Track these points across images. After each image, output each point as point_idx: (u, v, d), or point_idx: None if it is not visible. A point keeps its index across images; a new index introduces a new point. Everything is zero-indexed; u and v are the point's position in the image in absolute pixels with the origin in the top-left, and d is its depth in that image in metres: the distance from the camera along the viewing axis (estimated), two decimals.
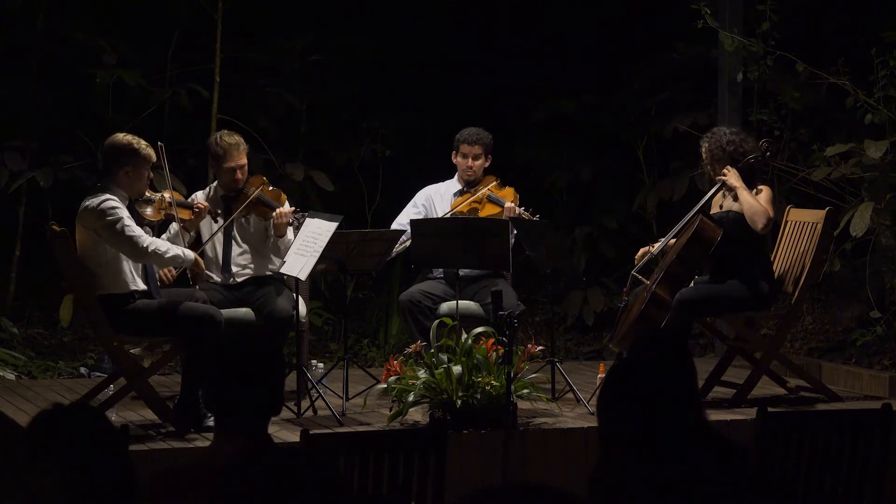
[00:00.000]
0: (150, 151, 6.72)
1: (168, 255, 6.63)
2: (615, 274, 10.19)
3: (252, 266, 7.47)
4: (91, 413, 2.92)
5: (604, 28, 10.82)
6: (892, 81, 8.52)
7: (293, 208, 7.40)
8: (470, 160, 7.86)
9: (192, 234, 7.28)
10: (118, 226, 6.52)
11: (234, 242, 7.47)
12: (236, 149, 7.37)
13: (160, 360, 6.94)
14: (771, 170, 8.93)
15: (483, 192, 7.82)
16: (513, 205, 7.66)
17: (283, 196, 7.48)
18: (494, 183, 7.88)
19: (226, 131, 7.54)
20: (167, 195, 6.97)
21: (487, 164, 7.92)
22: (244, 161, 7.42)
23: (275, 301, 7.20)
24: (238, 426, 3.29)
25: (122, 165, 6.65)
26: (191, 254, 6.75)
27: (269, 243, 7.48)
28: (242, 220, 7.47)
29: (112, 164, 6.68)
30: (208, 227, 7.45)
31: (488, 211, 7.74)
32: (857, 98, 8.56)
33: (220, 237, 7.46)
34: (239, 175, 7.39)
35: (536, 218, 7.53)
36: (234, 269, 7.44)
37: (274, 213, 7.34)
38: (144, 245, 6.53)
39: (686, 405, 3.42)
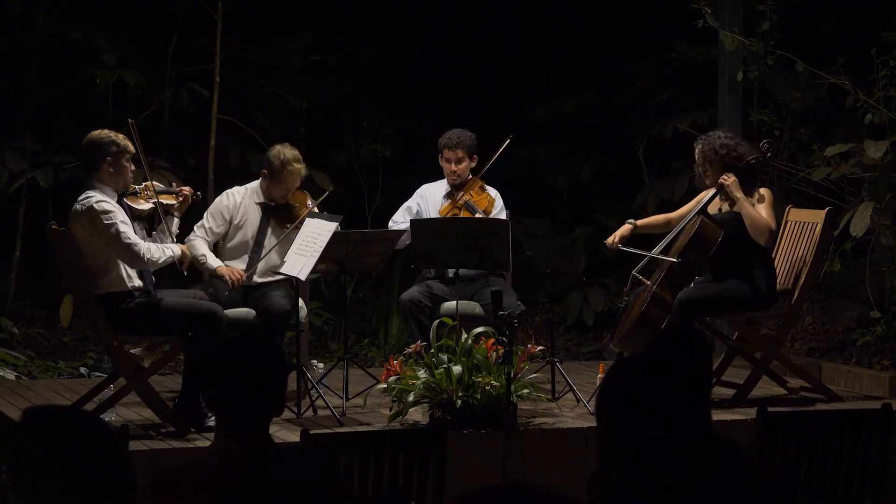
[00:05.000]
0: (128, 143, 6.74)
1: (161, 260, 6.69)
2: (615, 274, 10.19)
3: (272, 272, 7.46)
4: (83, 415, 2.93)
5: (604, 28, 10.82)
6: (892, 81, 8.52)
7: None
8: (453, 164, 7.84)
9: (178, 217, 7.19)
10: (113, 230, 6.54)
11: (263, 253, 7.46)
12: (298, 175, 7.40)
13: (160, 360, 6.94)
14: (771, 170, 8.94)
15: (463, 198, 7.80)
16: (482, 216, 7.67)
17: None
18: (476, 187, 7.86)
19: (289, 147, 7.44)
20: (149, 184, 6.98)
21: (473, 165, 7.89)
22: (298, 185, 7.46)
23: (271, 297, 7.21)
24: (240, 426, 3.29)
25: (104, 158, 6.65)
26: (177, 248, 6.79)
27: None
28: (276, 233, 7.46)
29: (94, 160, 6.68)
30: (245, 229, 7.46)
31: (466, 216, 7.74)
32: (857, 98, 8.56)
33: (250, 245, 7.45)
34: (287, 196, 7.43)
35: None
36: (257, 277, 7.42)
37: None
38: (141, 254, 6.57)
39: (688, 405, 3.43)
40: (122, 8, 10.07)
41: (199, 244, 7.37)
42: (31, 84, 9.70)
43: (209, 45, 9.69)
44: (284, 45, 10.48)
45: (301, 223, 7.30)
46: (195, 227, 7.46)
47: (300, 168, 7.40)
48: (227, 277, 7.17)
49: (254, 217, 7.47)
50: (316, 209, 7.46)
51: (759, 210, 7.10)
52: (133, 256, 6.58)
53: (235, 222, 7.45)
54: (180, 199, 7.03)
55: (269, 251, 7.40)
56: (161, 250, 6.68)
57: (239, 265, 7.40)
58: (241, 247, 7.48)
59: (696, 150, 7.31)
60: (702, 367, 3.80)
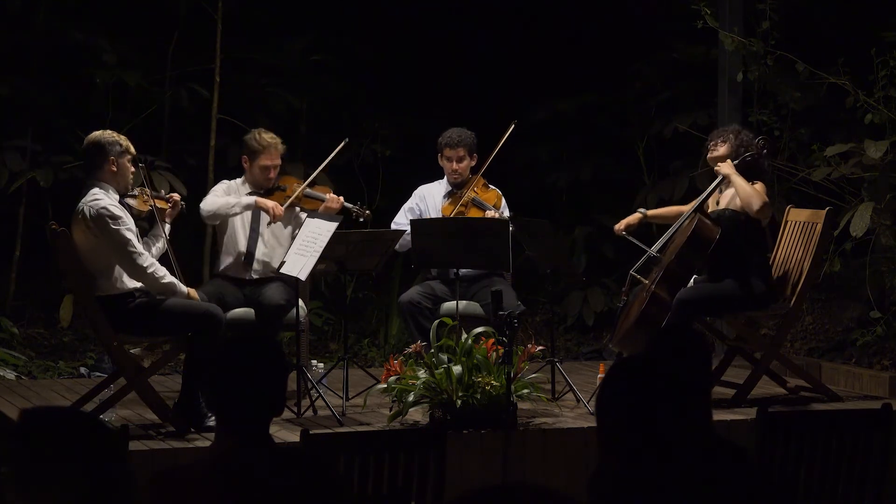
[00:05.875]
0: (129, 144, 6.78)
1: (163, 281, 6.66)
2: (615, 274, 10.19)
3: (274, 264, 7.48)
4: (82, 416, 2.93)
5: (604, 28, 10.82)
6: (892, 81, 8.51)
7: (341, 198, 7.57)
8: (454, 163, 7.85)
9: (169, 224, 7.26)
10: (121, 237, 6.54)
11: (260, 239, 7.50)
12: (274, 148, 7.56)
13: (160, 360, 6.94)
14: (771, 170, 8.93)
15: (468, 195, 7.80)
16: (494, 213, 7.67)
17: (330, 189, 7.69)
18: (480, 184, 7.87)
19: (264, 129, 7.73)
20: (144, 188, 7.03)
21: (473, 163, 7.91)
22: (279, 161, 7.58)
23: (266, 292, 7.24)
24: (240, 426, 3.29)
25: (107, 158, 6.66)
26: (184, 289, 6.77)
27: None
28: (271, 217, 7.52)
29: (98, 159, 6.69)
30: (239, 219, 7.52)
31: (473, 214, 7.73)
32: (857, 98, 8.56)
33: (245, 232, 7.50)
34: (272, 174, 7.53)
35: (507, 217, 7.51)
36: (256, 266, 7.46)
37: (328, 197, 7.52)
38: (144, 265, 6.57)
39: (689, 405, 3.43)
40: (122, 8, 10.07)
41: (220, 199, 7.47)
42: (31, 84, 9.69)
43: (209, 45, 9.69)
44: (284, 45, 10.48)
45: (298, 199, 7.50)
46: (212, 191, 7.60)
47: (277, 140, 7.57)
48: (271, 210, 7.38)
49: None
50: (305, 192, 7.55)
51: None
52: (136, 268, 6.57)
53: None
54: (170, 204, 7.08)
55: (279, 245, 7.50)
56: (167, 273, 6.67)
57: (236, 256, 7.50)
58: (237, 238, 7.50)
59: (716, 130, 7.38)
60: (701, 367, 3.80)
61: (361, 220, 7.66)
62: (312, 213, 7.29)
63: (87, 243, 6.62)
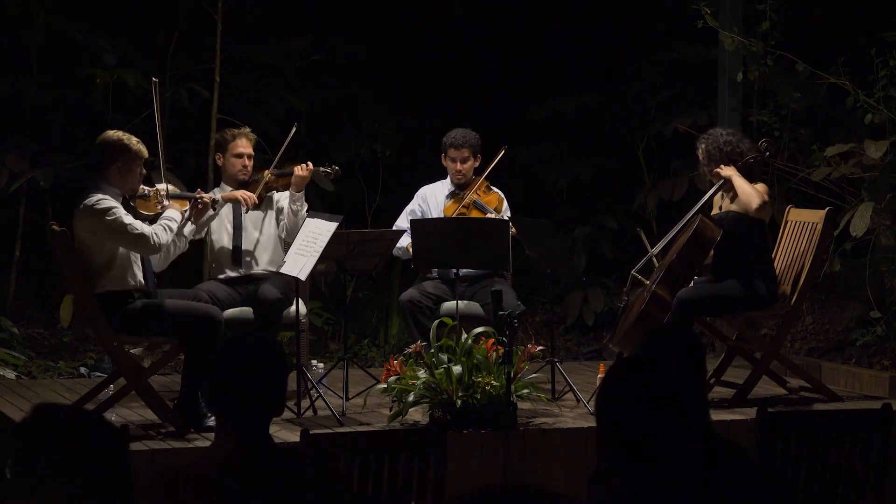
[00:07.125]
0: (142, 148, 6.74)
1: (170, 238, 6.68)
2: (615, 274, 10.19)
3: (263, 259, 7.48)
4: (87, 415, 2.93)
5: (604, 28, 10.82)
6: (892, 81, 8.51)
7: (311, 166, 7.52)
8: (458, 164, 7.85)
9: (203, 233, 7.34)
10: (118, 224, 6.52)
11: (244, 233, 7.51)
12: (245, 136, 7.56)
13: (160, 360, 6.94)
14: (771, 170, 8.94)
15: (470, 197, 7.80)
16: (494, 216, 7.66)
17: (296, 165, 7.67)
18: (483, 187, 7.87)
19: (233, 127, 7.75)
20: (162, 187, 6.97)
21: (477, 164, 7.91)
22: (251, 150, 7.57)
23: (263, 288, 7.23)
24: (240, 426, 3.29)
25: (113, 161, 6.66)
26: (174, 212, 6.77)
27: (280, 231, 7.51)
28: (252, 213, 7.51)
29: (103, 160, 6.69)
30: (219, 219, 7.51)
31: (475, 216, 7.73)
32: (857, 98, 8.56)
33: (229, 230, 7.50)
34: (246, 162, 7.52)
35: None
36: (246, 258, 7.48)
37: (296, 168, 7.44)
38: (152, 240, 6.57)
39: (687, 405, 3.43)
40: (122, 8, 10.07)
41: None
42: (31, 84, 9.69)
43: (209, 45, 9.69)
44: (284, 45, 10.48)
45: (270, 182, 7.48)
46: None
47: (247, 130, 7.62)
48: (241, 199, 7.36)
49: (226, 208, 7.53)
50: (274, 172, 7.53)
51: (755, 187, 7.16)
52: (144, 244, 6.55)
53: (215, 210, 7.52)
54: (199, 206, 7.01)
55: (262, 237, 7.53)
56: (164, 227, 6.66)
57: (224, 255, 7.50)
58: (222, 238, 7.51)
59: (700, 150, 7.32)
60: (695, 367, 3.80)
61: (332, 177, 7.73)
62: (312, 214, 7.28)
63: (87, 240, 6.61)
